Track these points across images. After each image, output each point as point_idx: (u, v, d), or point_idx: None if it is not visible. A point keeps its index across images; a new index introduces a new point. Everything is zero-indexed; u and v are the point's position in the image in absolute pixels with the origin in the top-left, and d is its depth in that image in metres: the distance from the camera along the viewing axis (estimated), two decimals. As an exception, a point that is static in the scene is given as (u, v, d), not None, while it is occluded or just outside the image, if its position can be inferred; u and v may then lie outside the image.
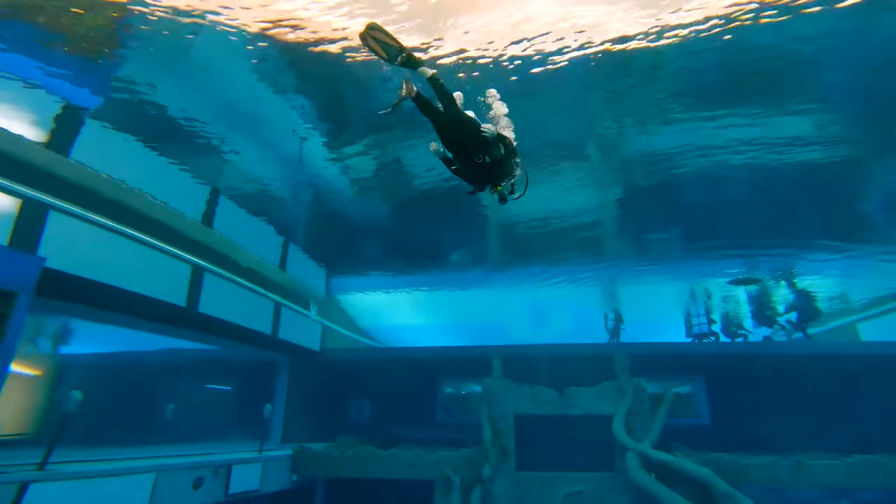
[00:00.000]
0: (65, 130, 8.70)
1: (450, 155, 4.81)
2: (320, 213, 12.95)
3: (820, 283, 17.07)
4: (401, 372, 17.08)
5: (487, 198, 10.58)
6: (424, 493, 12.61)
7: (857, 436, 15.26)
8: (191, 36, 7.32)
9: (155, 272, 10.84)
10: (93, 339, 16.40)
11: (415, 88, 4.47)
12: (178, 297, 11.61)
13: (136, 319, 11.27)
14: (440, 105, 4.62)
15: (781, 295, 18.97)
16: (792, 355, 16.24)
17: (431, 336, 22.71)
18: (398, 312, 20.13)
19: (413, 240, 14.81)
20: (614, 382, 13.68)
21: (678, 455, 11.86)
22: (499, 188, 4.66)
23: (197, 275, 12.12)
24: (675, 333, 21.53)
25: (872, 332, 19.16)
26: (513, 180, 4.84)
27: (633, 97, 8.19)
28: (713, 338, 19.78)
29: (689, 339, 20.41)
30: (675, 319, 21.01)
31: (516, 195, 4.86)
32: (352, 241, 14.73)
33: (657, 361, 16.61)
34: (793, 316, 19.18)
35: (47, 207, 8.65)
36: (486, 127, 4.55)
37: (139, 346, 15.69)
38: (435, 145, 4.90)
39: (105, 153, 9.31)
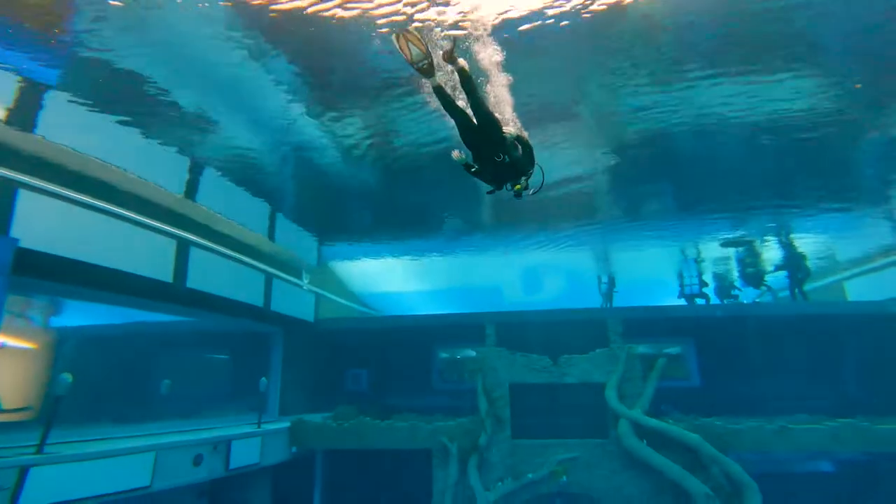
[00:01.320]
0: (26, 105, 7.93)
1: (471, 161, 4.89)
2: (308, 181, 12.28)
3: (810, 242, 16.91)
4: (396, 341, 16.94)
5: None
6: (422, 462, 12.72)
7: (838, 396, 15.56)
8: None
9: (138, 248, 10.35)
10: (85, 310, 15.95)
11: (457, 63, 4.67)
12: (164, 273, 11.17)
13: (121, 297, 10.80)
14: (464, 100, 4.67)
15: (771, 255, 18.85)
16: (777, 316, 16.26)
17: (426, 302, 22.54)
18: (392, 279, 19.82)
19: (405, 206, 14.27)
20: (607, 349, 13.63)
21: (669, 421, 11.96)
22: (518, 186, 4.75)
23: (183, 249, 11.62)
24: (668, 295, 21.49)
25: (859, 291, 19.19)
26: (528, 178, 4.92)
27: (626, 56, 7.76)
28: (703, 300, 19.74)
29: (682, 301, 20.36)
30: (668, 282, 20.91)
31: (531, 191, 4.91)
32: (342, 208, 14.14)
33: (649, 325, 16.61)
34: (783, 275, 19.10)
35: (14, 185, 8.03)
36: (507, 130, 4.67)
37: (132, 318, 15.27)
38: (458, 153, 4.98)
39: (75, 128, 8.59)
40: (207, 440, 10.67)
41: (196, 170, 10.68)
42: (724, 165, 11.21)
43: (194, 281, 11.78)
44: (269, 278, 14.34)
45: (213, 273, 12.40)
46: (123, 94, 8.19)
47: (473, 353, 16.51)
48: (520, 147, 4.77)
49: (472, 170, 5.02)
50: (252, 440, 11.81)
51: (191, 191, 10.75)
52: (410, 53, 4.59)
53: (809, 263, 18.08)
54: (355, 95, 8.87)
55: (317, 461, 13.69)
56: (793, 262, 18.05)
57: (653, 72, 8.05)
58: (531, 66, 7.64)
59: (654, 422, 11.80)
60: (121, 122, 8.91)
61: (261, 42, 7.39)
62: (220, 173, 11.05)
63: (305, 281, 15.92)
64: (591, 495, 11.85)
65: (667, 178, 12.34)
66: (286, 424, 12.90)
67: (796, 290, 18.23)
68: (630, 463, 11.80)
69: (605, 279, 20.35)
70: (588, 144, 10.42)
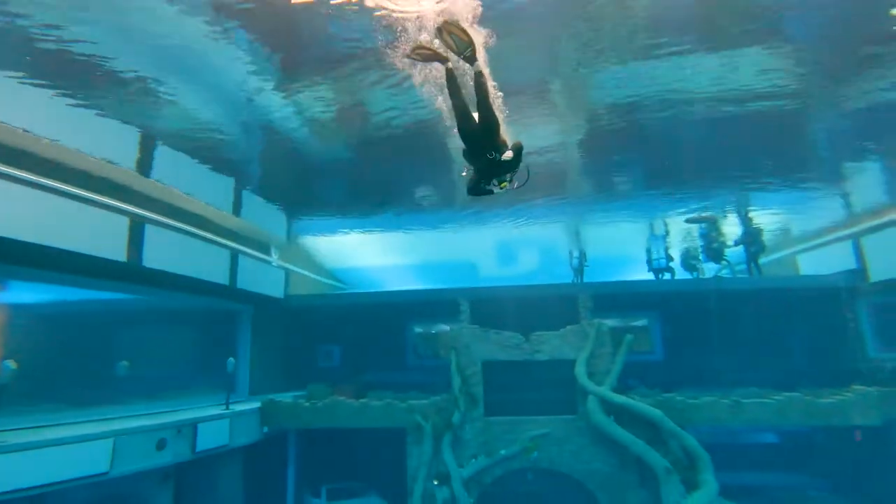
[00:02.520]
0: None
1: (479, 181, 4.97)
2: (275, 156, 11.46)
3: (767, 217, 17.21)
4: (370, 317, 16.54)
5: (453, 140, 9.89)
6: (397, 440, 12.60)
7: (787, 367, 16.25)
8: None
9: (85, 227, 9.54)
10: (36, 287, 14.71)
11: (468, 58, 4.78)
12: (117, 252, 10.35)
13: (69, 277, 9.97)
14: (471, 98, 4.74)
15: (730, 231, 19.13)
16: (734, 291, 16.65)
17: (400, 277, 22.02)
18: (365, 254, 19.13)
19: (378, 180, 13.59)
20: (578, 326, 13.66)
21: (634, 397, 12.15)
22: (504, 184, 4.90)
23: (136, 227, 10.75)
24: (636, 270, 21.71)
25: (810, 265, 19.82)
26: (514, 174, 5.01)
27: (596, 31, 7.50)
28: (669, 274, 20.01)
29: (650, 275, 20.57)
30: (636, 256, 21.06)
31: (515, 185, 5.03)
32: (312, 182, 13.33)
33: (617, 299, 16.81)
34: (741, 250, 19.48)
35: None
36: (504, 136, 4.77)
37: (88, 294, 14.20)
38: (467, 173, 5.08)
39: (9, 103, 7.52)
40: (171, 424, 10.28)
41: (148, 145, 9.67)
42: (689, 142, 11.22)
43: (151, 259, 11.05)
44: (234, 255, 13.55)
45: (172, 251, 11.59)
46: (64, 64, 7.12)
47: (448, 328, 16.32)
48: (511, 149, 4.80)
49: (471, 182, 5.10)
50: (220, 422, 11.42)
51: (143, 167, 9.77)
52: (455, 44, 4.71)
53: (764, 238, 18.44)
54: (322, 68, 8.13)
55: (290, 440, 13.41)
56: (749, 237, 18.35)
57: (622, 46, 7.73)
58: (504, 43, 7.10)
59: (620, 398, 11.98)
60: (60, 95, 7.83)
61: (217, 14, 6.47)
62: (176, 149, 10.05)
63: (275, 257, 15.14)
64: (560, 470, 12.05)
65: (635, 153, 12.25)
66: (256, 405, 12.51)
67: (752, 265, 18.64)
68: (598, 438, 12.03)
69: (576, 254, 20.28)
70: (559, 120, 10.15)
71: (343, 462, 14.43)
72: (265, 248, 15.15)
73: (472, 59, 4.81)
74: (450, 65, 4.85)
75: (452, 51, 4.79)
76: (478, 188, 5.03)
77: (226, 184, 12.31)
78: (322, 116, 9.63)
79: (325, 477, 14.02)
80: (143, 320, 14.50)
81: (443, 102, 7.64)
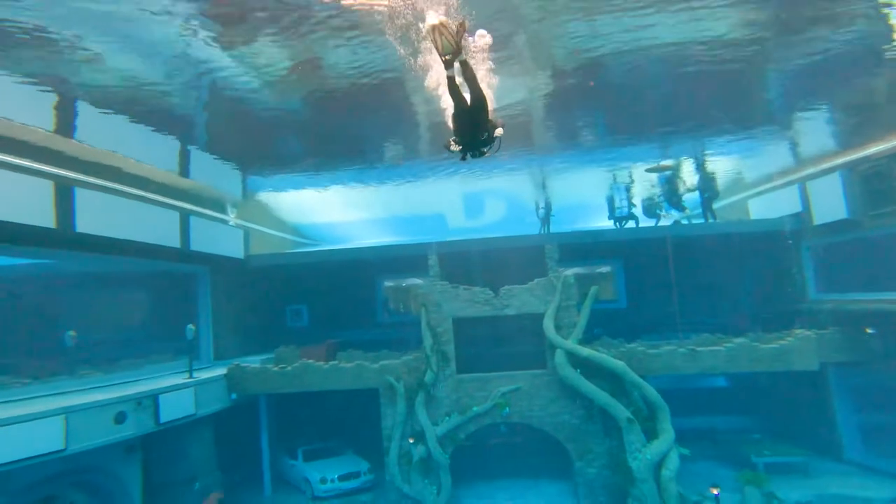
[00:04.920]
0: None
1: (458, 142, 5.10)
2: (223, 112, 10.08)
3: (721, 164, 17.09)
4: (337, 274, 15.70)
5: (416, 94, 9.62)
6: (371, 399, 12.27)
7: (737, 312, 16.76)
8: None
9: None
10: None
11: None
12: (44, 218, 9.05)
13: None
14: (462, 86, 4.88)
15: (687, 178, 18.98)
16: (690, 237, 16.73)
17: (368, 231, 20.92)
18: (331, 209, 17.85)
19: (339, 135, 12.33)
20: (545, 279, 13.34)
21: (599, 349, 12.17)
22: (485, 152, 5.14)
23: (64, 191, 9.30)
24: (600, 217, 21.49)
25: (760, 209, 20.09)
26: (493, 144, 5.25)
27: None
28: (633, 221, 19.88)
29: (612, 221, 20.39)
30: (599, 204, 20.75)
31: (488, 153, 5.25)
32: (268, 139, 11.95)
33: (582, 249, 16.64)
34: (697, 196, 19.46)
35: None
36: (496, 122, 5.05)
37: (24, 262, 12.61)
38: (453, 144, 5.17)
39: None
40: (130, 397, 9.63)
41: (66, 104, 8.05)
42: (650, 94, 11.00)
43: (86, 224, 9.82)
44: (184, 216, 12.15)
45: (109, 215, 10.25)
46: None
47: (418, 281, 15.71)
48: (501, 127, 5.10)
49: (454, 145, 5.20)
50: (184, 392, 10.73)
51: (64, 127, 8.18)
52: (441, 45, 4.77)
53: (718, 184, 18.40)
54: (273, 22, 6.78)
55: (261, 404, 12.86)
56: (704, 183, 18.26)
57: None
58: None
59: (586, 351, 11.96)
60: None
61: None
62: (101, 108, 8.45)
63: (231, 216, 13.77)
64: (530, 424, 12.12)
65: (598, 106, 11.87)
66: (222, 371, 11.77)
67: (707, 211, 18.71)
68: (565, 392, 12.10)
69: (542, 205, 19.72)
70: (525, 74, 9.50)
71: (318, 423, 14.16)
72: (220, 207, 13.72)
73: (448, 65, 4.82)
74: (453, 73, 4.82)
75: (437, 50, 4.83)
76: (464, 156, 5.23)
77: (170, 143, 10.73)
78: (276, 74, 8.41)
79: (301, 438, 13.80)
80: (91, 288, 13.16)
81: (406, 54, 6.81)
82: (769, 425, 14.95)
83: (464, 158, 5.18)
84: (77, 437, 8.61)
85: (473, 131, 4.95)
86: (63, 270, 12.87)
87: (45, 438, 8.27)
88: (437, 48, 4.80)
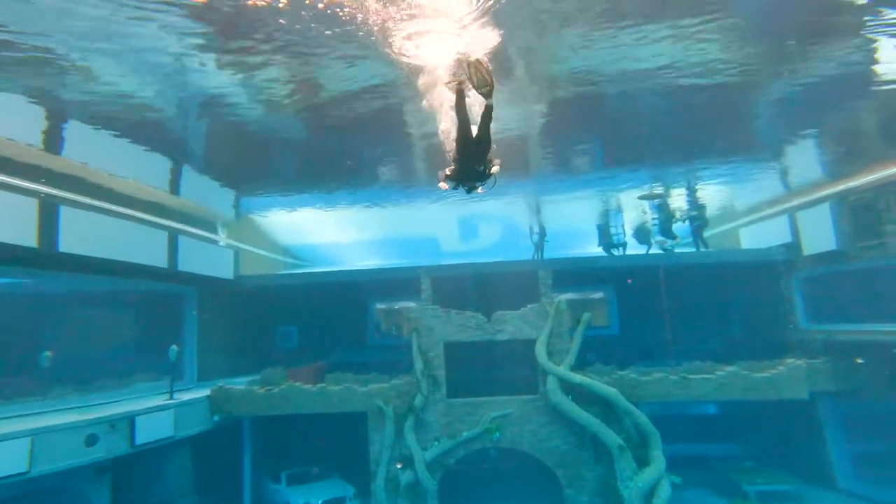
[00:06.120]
0: None
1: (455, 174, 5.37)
2: (217, 132, 9.95)
3: (713, 192, 17.19)
4: (328, 296, 15.40)
5: (412, 114, 9.47)
6: (358, 422, 11.85)
7: (727, 339, 16.59)
8: None
9: None
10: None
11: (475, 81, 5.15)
12: (25, 237, 8.84)
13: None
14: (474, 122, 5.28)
15: (678, 206, 19.05)
16: (681, 265, 16.65)
17: (361, 253, 20.71)
18: (324, 230, 17.68)
19: (335, 156, 12.26)
20: (537, 305, 13.17)
21: (591, 376, 11.92)
22: (479, 189, 5.45)
23: (48, 209, 9.09)
24: (593, 243, 21.47)
25: (751, 239, 20.16)
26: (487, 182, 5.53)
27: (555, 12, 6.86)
28: (622, 248, 19.83)
29: (601, 247, 20.33)
30: (592, 230, 20.74)
31: (481, 190, 5.52)
32: (263, 159, 11.84)
33: (575, 275, 16.50)
34: (687, 225, 19.50)
35: None
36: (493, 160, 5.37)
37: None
38: (444, 185, 5.52)
39: None
40: (103, 420, 9.27)
41: (56, 120, 7.94)
42: (642, 121, 11.04)
43: (69, 244, 9.56)
44: (173, 236, 11.93)
45: (94, 234, 10.05)
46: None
47: (409, 304, 15.44)
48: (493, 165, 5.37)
49: (452, 182, 5.46)
50: (162, 413, 10.33)
51: (52, 143, 8.06)
52: (475, 79, 5.12)
53: (708, 213, 18.49)
54: (269, 41, 6.75)
55: (244, 426, 12.34)
56: (694, 211, 18.33)
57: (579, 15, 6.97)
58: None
59: (578, 378, 11.72)
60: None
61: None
62: (92, 124, 8.34)
63: (222, 236, 13.55)
64: (521, 449, 11.73)
65: (592, 132, 11.86)
66: (205, 392, 11.33)
67: (698, 239, 18.73)
68: (556, 417, 11.80)
69: (536, 229, 19.66)
70: (521, 100, 9.48)
71: (303, 446, 13.60)
72: (211, 227, 13.51)
73: (488, 95, 5.22)
74: (490, 102, 5.16)
75: (472, 84, 5.17)
76: (456, 185, 5.47)
77: (161, 161, 10.60)
78: (273, 94, 8.32)
79: (285, 462, 13.21)
80: (72, 306, 12.75)
81: (405, 74, 6.95)
82: (761, 453, 14.62)
83: (455, 188, 5.45)
84: (43, 459, 8.27)
85: (473, 162, 5.25)
86: (44, 289, 12.49)
87: (7, 460, 7.93)
88: (472, 82, 5.19)
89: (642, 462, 10.80)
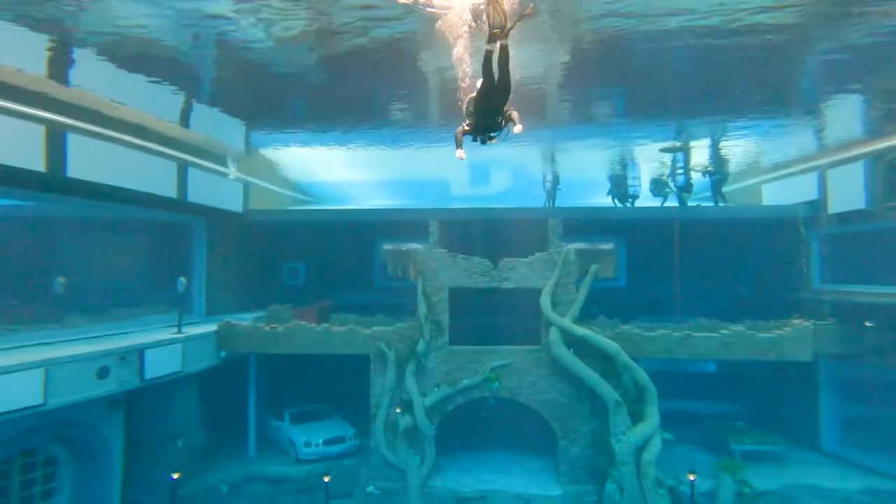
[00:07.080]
0: None
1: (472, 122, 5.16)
2: (229, 66, 9.42)
3: (740, 147, 16.27)
4: (337, 235, 15.25)
5: (428, 54, 9.00)
6: (361, 364, 12.08)
7: (737, 298, 16.32)
8: None
9: None
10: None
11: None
12: (33, 161, 8.81)
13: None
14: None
15: (700, 160, 18.19)
16: (697, 220, 16.11)
17: (370, 192, 20.26)
18: (334, 168, 17.15)
19: (348, 94, 11.61)
20: (545, 253, 12.87)
21: (594, 329, 11.85)
22: (493, 140, 5.17)
23: (55, 135, 8.82)
24: (604, 193, 20.77)
25: (774, 195, 19.34)
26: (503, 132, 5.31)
27: None
28: (632, 200, 19.15)
29: (610, 197, 19.69)
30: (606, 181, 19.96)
31: (496, 140, 5.26)
32: (275, 94, 11.25)
33: (586, 224, 16.10)
34: (707, 179, 18.69)
35: None
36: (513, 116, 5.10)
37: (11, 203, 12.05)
38: (462, 154, 5.27)
39: None
40: (114, 352, 9.31)
41: (62, 49, 7.46)
42: (673, 71, 10.36)
43: (77, 170, 9.47)
44: (182, 167, 11.62)
45: (102, 162, 9.79)
46: None
47: (416, 246, 15.30)
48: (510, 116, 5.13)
49: (467, 130, 5.20)
50: (171, 347, 10.44)
51: (57, 73, 7.67)
52: (492, 18, 4.80)
53: (731, 168, 17.62)
54: None
55: (250, 363, 12.65)
56: (715, 165, 17.50)
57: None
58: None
59: (581, 331, 11.66)
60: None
61: None
62: (100, 55, 7.83)
63: (231, 169, 13.19)
64: (518, 400, 11.96)
65: (617, 80, 11.13)
66: (212, 327, 11.51)
67: (716, 194, 18.02)
68: (556, 369, 11.90)
69: (549, 177, 18.93)
70: (543, 45, 8.84)
71: (307, 386, 14.02)
72: (221, 160, 13.13)
73: (492, 39, 4.83)
74: (505, 42, 4.79)
75: (489, 23, 4.82)
76: (472, 137, 5.22)
77: (173, 94, 10.08)
78: (286, 27, 7.74)
79: (289, 401, 13.64)
80: (83, 233, 12.68)
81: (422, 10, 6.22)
82: (754, 412, 14.83)
83: (474, 139, 5.19)
84: (57, 391, 8.30)
85: (492, 112, 5.01)
86: (54, 214, 12.40)
87: (23, 392, 7.93)
88: (487, 19, 4.85)
89: (637, 417, 10.93)
